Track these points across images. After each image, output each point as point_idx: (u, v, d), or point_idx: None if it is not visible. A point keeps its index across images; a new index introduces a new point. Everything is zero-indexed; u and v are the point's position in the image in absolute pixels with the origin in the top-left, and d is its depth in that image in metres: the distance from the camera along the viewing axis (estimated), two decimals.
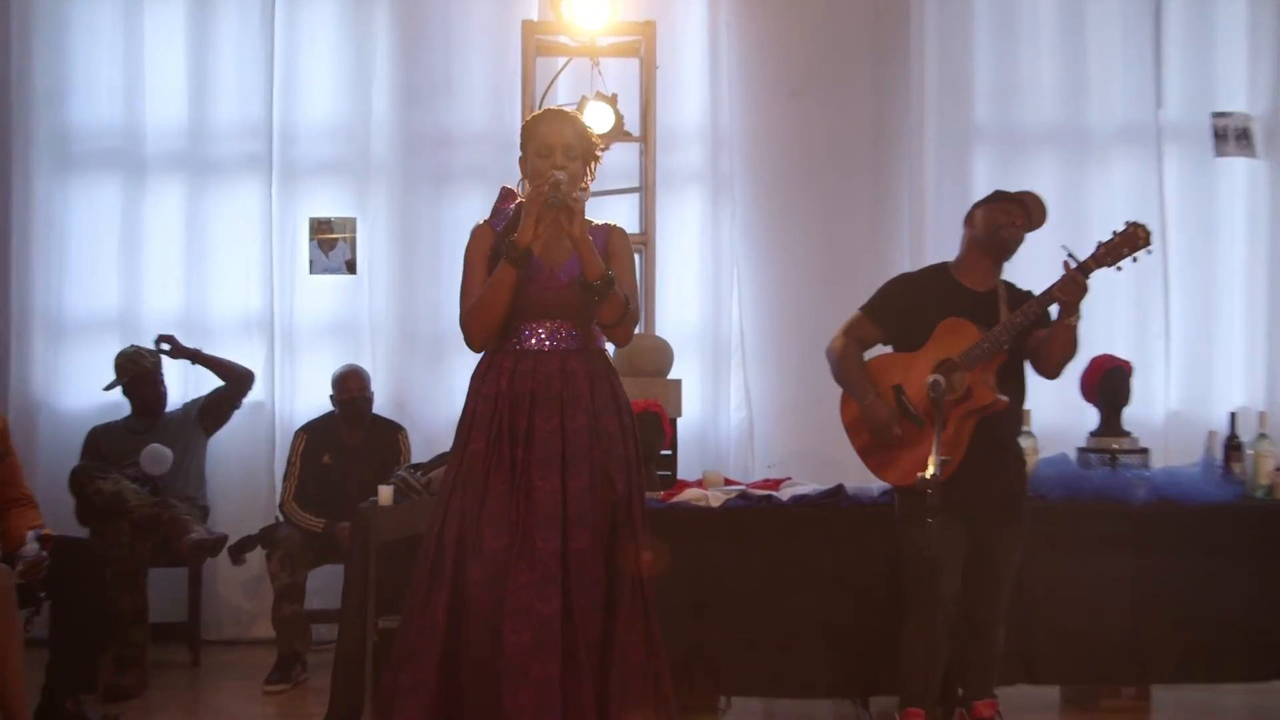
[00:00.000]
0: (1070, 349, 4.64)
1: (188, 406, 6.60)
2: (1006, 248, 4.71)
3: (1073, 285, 4.50)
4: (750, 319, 7.06)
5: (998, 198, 4.76)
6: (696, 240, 7.03)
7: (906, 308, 4.74)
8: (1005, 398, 4.60)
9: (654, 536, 3.99)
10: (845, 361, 4.77)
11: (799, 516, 5.22)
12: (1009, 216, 4.69)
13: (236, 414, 6.71)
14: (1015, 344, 4.64)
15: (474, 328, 3.88)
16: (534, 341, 3.90)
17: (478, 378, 3.94)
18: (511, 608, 3.72)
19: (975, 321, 4.63)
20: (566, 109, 4.07)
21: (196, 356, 6.54)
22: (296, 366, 6.90)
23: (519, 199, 3.98)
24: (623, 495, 3.88)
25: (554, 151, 3.88)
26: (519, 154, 3.98)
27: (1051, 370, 4.71)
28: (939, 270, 4.83)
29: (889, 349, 4.85)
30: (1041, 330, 4.65)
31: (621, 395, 3.98)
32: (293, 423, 6.70)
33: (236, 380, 6.57)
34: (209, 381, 6.62)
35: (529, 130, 3.94)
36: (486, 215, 4.04)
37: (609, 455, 3.88)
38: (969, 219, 4.78)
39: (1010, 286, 4.77)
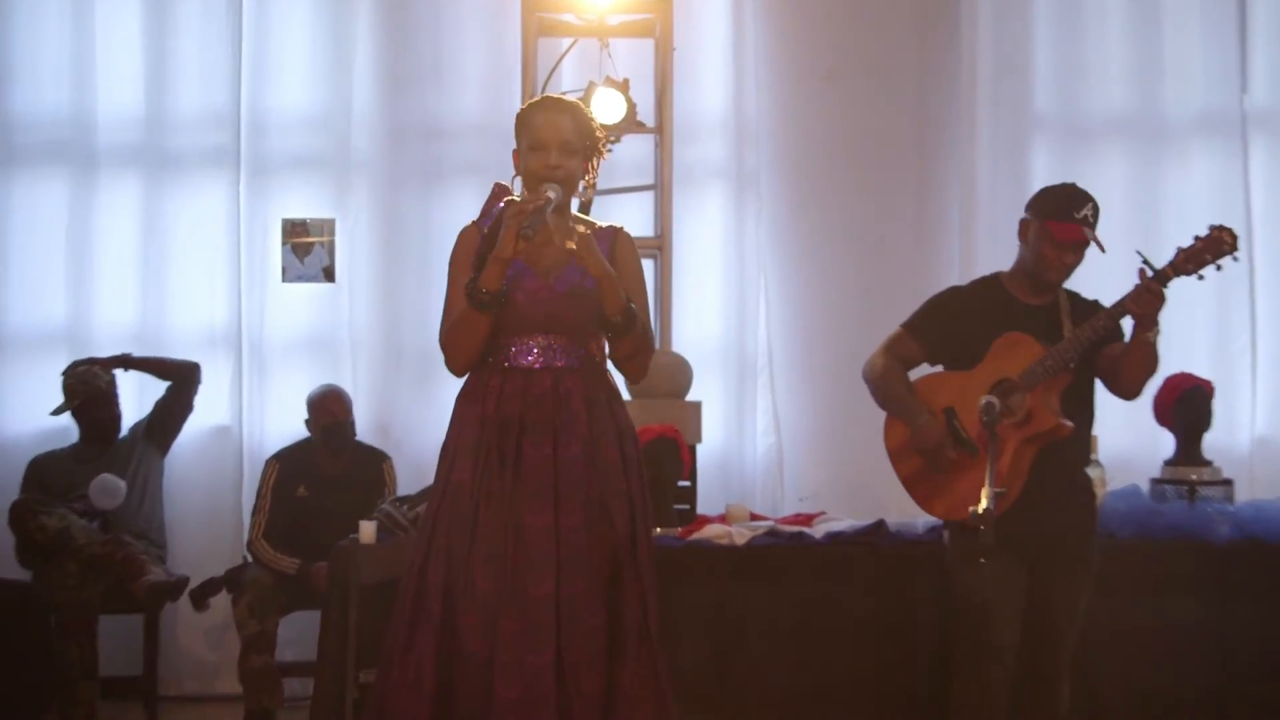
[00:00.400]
0: (1149, 366, 4.67)
1: (133, 429, 6.65)
2: (1053, 286, 4.72)
3: (1147, 296, 4.53)
4: (779, 333, 7.13)
5: (1055, 223, 4.66)
6: (718, 244, 7.10)
7: (954, 325, 4.77)
8: (1070, 423, 4.62)
9: (670, 579, 4.03)
10: (888, 381, 4.81)
11: (835, 556, 5.28)
12: (1060, 255, 4.64)
13: (198, 439, 6.78)
14: (1082, 362, 4.66)
15: (450, 355, 3.94)
16: (524, 359, 3.93)
17: (462, 400, 3.98)
18: (502, 660, 3.76)
19: (1038, 337, 4.67)
20: (568, 97, 4.09)
21: (126, 362, 6.60)
22: (267, 387, 6.96)
23: (512, 198, 4.01)
24: (624, 534, 3.90)
25: (548, 147, 3.88)
26: (514, 148, 3.99)
27: (1129, 389, 4.74)
28: (991, 282, 4.85)
29: (934, 369, 4.91)
30: (1115, 345, 4.69)
31: (624, 419, 4.01)
32: (263, 450, 6.76)
33: (180, 376, 6.62)
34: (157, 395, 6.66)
35: (523, 120, 3.95)
36: (476, 215, 4.07)
37: (607, 488, 3.90)
38: (1023, 230, 4.77)
39: (1074, 297, 4.79)
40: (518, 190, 4.04)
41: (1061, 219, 4.65)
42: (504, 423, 3.89)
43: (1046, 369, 4.60)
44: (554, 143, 3.87)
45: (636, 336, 3.92)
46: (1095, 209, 4.67)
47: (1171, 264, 4.56)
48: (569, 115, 3.93)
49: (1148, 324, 4.58)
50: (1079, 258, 4.68)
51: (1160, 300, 4.54)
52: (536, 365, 3.93)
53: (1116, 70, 7.13)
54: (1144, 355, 4.64)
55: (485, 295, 3.81)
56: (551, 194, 3.80)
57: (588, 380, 3.96)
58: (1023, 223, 4.76)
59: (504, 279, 3.83)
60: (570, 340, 3.95)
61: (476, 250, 3.94)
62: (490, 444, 3.88)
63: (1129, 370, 4.69)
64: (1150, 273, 4.54)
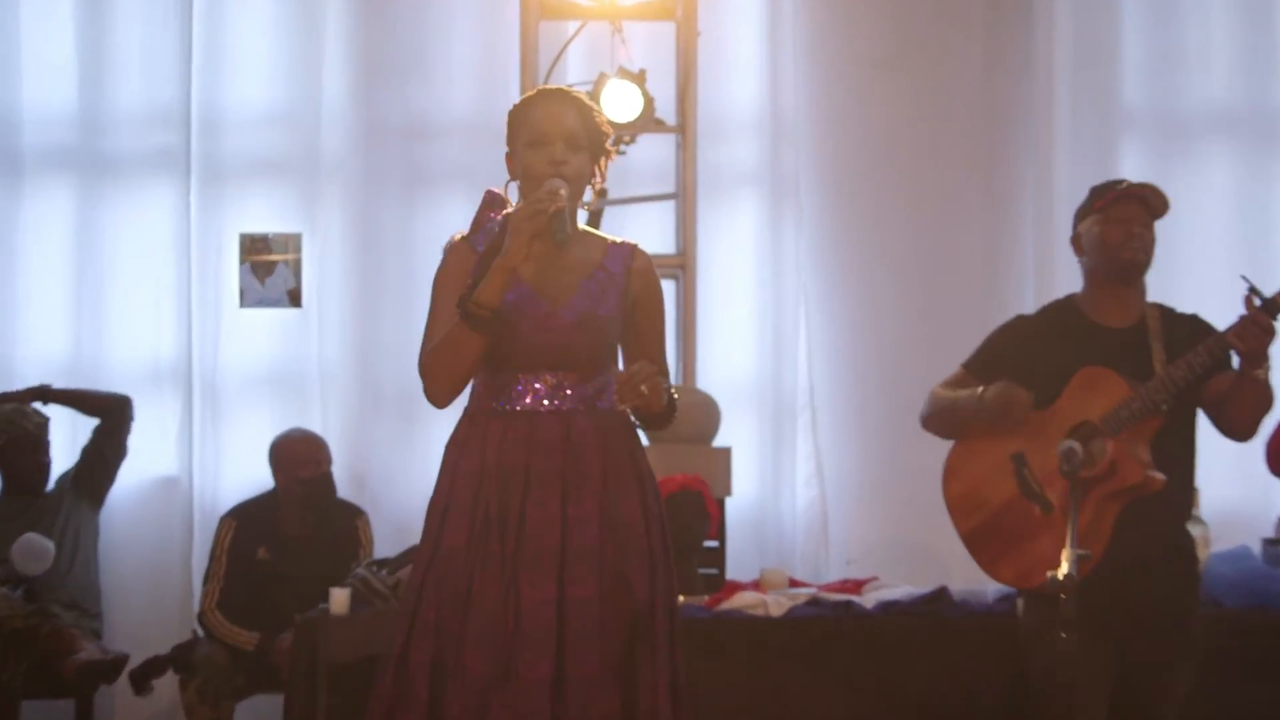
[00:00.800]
0: (1262, 405, 4.65)
1: (60, 480, 6.65)
2: (1136, 267, 4.73)
3: (1254, 330, 4.50)
4: (822, 366, 7.10)
5: (1100, 201, 4.75)
6: (751, 262, 7.07)
7: (1024, 360, 4.75)
8: (1161, 476, 4.60)
9: (695, 655, 4.02)
10: (945, 399, 4.82)
11: (889, 629, 5.26)
12: (1125, 226, 4.69)
13: (140, 492, 6.78)
14: (1181, 398, 4.64)
15: (431, 380, 3.88)
16: (529, 399, 3.90)
17: (455, 448, 3.93)
18: None
19: (1121, 370, 4.65)
20: (571, 90, 4.04)
21: (45, 394, 6.59)
22: (222, 431, 6.94)
23: (508, 209, 3.98)
24: (644, 603, 3.86)
25: (551, 140, 3.85)
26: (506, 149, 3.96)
27: (1239, 429, 4.72)
28: (1064, 307, 4.86)
29: None
30: (1222, 376, 4.65)
31: (644, 467, 3.97)
32: (216, 506, 6.75)
33: (109, 411, 6.62)
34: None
35: (518, 116, 3.93)
36: (463, 231, 4.02)
37: (626, 551, 3.87)
38: (1076, 246, 4.81)
39: (1166, 312, 4.78)
40: (514, 198, 4.01)
41: (1104, 195, 4.75)
42: (505, 475, 3.86)
43: (1133, 412, 4.60)
44: (558, 135, 3.86)
45: (671, 413, 3.93)
46: (1135, 184, 4.76)
47: None
48: (573, 108, 3.91)
49: (1256, 361, 4.55)
50: (1145, 226, 4.70)
51: (1269, 335, 4.52)
52: (543, 408, 3.90)
53: (1220, 58, 7.13)
54: (1254, 394, 4.61)
55: (484, 311, 3.77)
56: (563, 190, 3.79)
57: (603, 424, 3.92)
58: (1073, 240, 4.83)
59: (504, 294, 3.79)
60: (582, 377, 3.92)
61: (471, 271, 3.89)
62: (489, 501, 3.85)
63: (1237, 409, 4.66)
64: (1258, 301, 4.53)
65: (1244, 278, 4.57)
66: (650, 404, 3.81)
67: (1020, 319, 4.97)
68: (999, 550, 4.74)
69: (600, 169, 3.97)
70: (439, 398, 3.90)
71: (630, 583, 3.85)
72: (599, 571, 3.82)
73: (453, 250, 3.97)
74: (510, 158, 3.95)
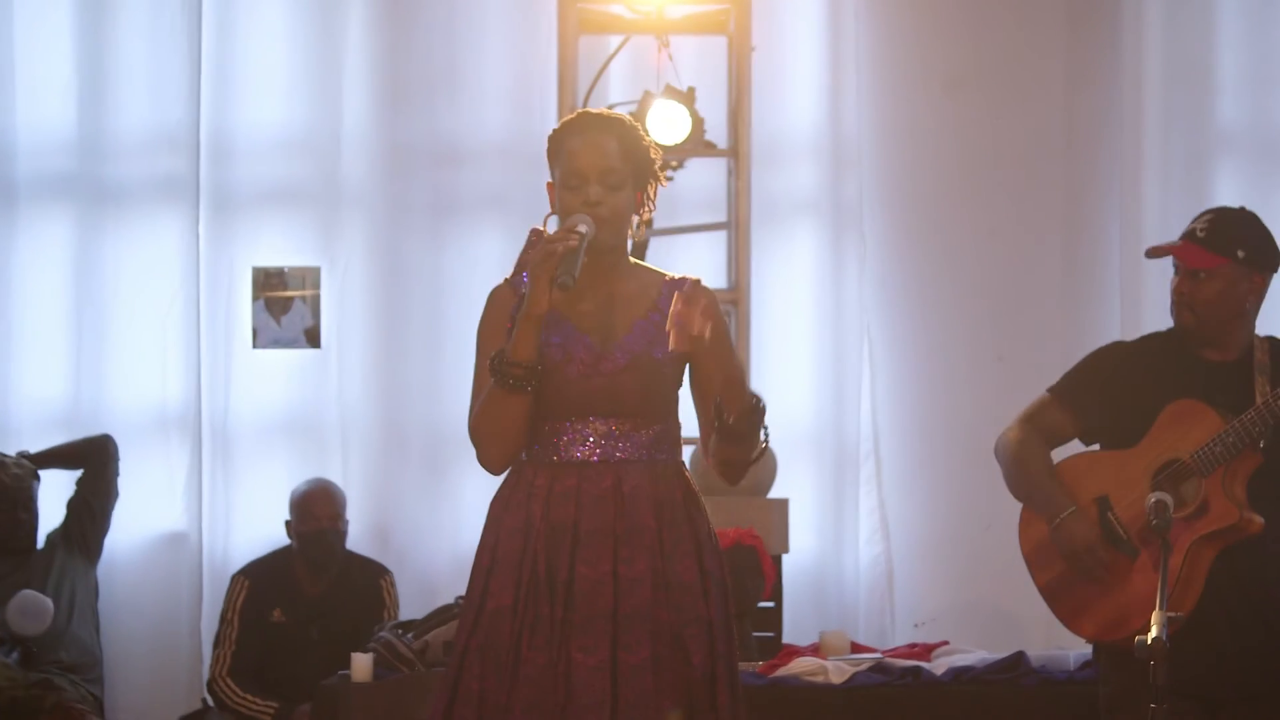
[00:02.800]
0: None
1: (50, 537, 6.69)
2: (1185, 331, 4.73)
3: None
4: (887, 412, 7.18)
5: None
6: (809, 298, 7.15)
7: (1116, 390, 4.78)
8: (1259, 518, 4.61)
9: None
10: (1024, 459, 4.82)
11: (962, 698, 5.33)
12: (1174, 284, 4.71)
13: (146, 549, 6.88)
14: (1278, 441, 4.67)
15: (482, 448, 3.93)
16: (578, 450, 3.94)
17: (499, 504, 3.98)
18: None
19: (1217, 405, 4.68)
20: (615, 111, 4.09)
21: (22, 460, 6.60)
22: (234, 482, 7.02)
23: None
24: (703, 672, 3.90)
25: (586, 180, 3.88)
26: (547, 177, 3.97)
27: None
28: (1165, 336, 4.86)
29: (1088, 447, 4.94)
30: None
31: (703, 526, 4.01)
32: (228, 564, 6.83)
33: (88, 456, 6.67)
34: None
35: (555, 145, 3.95)
36: (509, 271, 4.04)
37: (683, 616, 3.90)
38: None
39: (1277, 344, 4.78)
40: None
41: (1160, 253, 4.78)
42: (554, 532, 3.89)
43: (1228, 447, 4.59)
44: (594, 172, 3.88)
45: (758, 438, 3.90)
46: (1221, 221, 4.70)
47: None
48: (614, 135, 3.93)
49: None
50: (1195, 284, 4.66)
51: None
52: (593, 458, 3.93)
53: None
54: None
55: (517, 370, 3.82)
56: (583, 228, 3.81)
57: (658, 477, 3.95)
58: None
59: (538, 346, 3.84)
60: (635, 425, 3.94)
61: (511, 315, 3.92)
62: (537, 559, 3.89)
63: None
64: None
65: None
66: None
67: (1116, 345, 4.98)
68: (1081, 602, 4.74)
69: (649, 198, 3.99)
70: (492, 465, 3.95)
71: (687, 650, 3.90)
72: (653, 636, 3.86)
73: (494, 297, 4.01)
74: (551, 187, 3.96)
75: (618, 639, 3.85)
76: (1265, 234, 4.75)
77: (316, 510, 6.47)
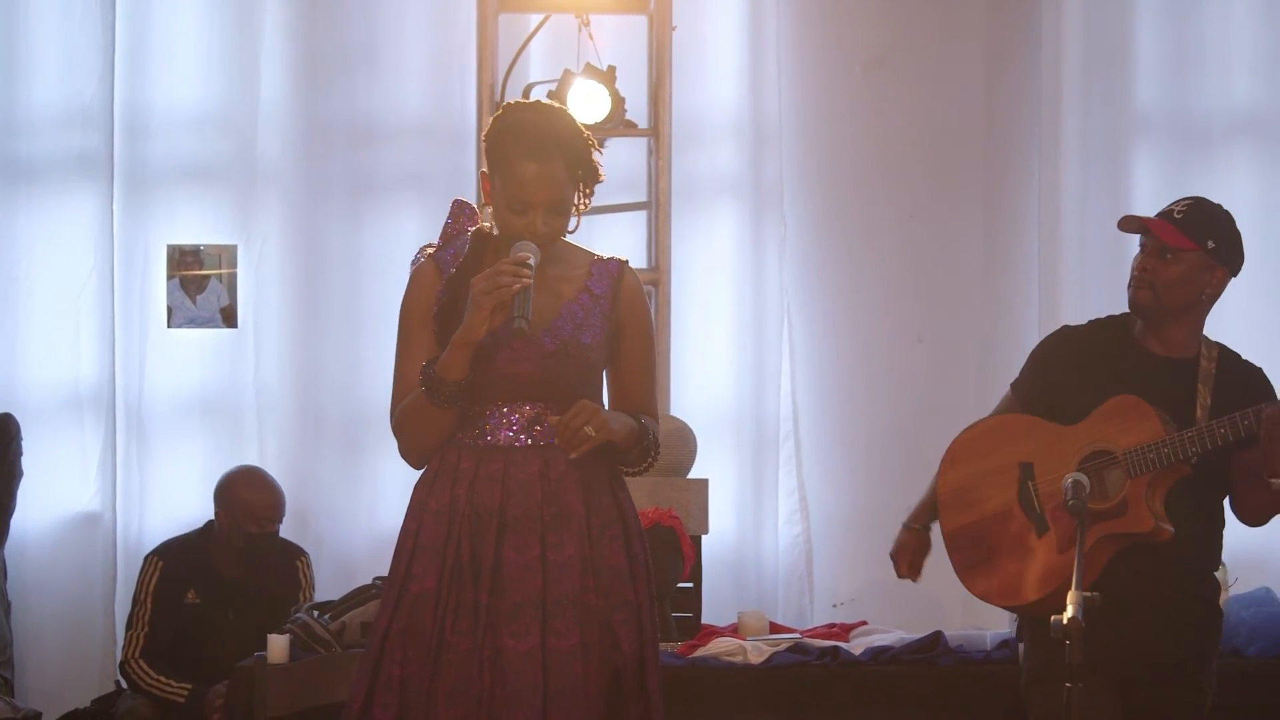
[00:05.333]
0: (1275, 506, 4.68)
1: None
2: (1138, 307, 4.74)
3: (1276, 424, 4.51)
4: (807, 393, 7.20)
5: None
6: (729, 278, 7.17)
7: (1061, 374, 4.81)
8: (1170, 528, 4.62)
9: (667, 708, 4.02)
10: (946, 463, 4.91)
11: (879, 678, 5.37)
12: (1136, 260, 4.72)
13: (57, 530, 6.85)
14: (1215, 456, 4.65)
15: (404, 445, 3.97)
16: (505, 434, 3.95)
17: (423, 486, 3.98)
18: None
19: (1158, 405, 4.70)
20: (558, 117, 3.98)
21: None
22: (148, 462, 7.00)
23: (482, 224, 4.03)
24: (632, 657, 3.93)
25: (533, 208, 3.87)
26: (478, 164, 4.01)
27: (1246, 517, 4.78)
28: (1114, 323, 4.88)
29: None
30: (1251, 453, 4.63)
31: (629, 510, 4.04)
32: (142, 545, 6.78)
33: None
34: None
35: (499, 152, 3.91)
36: (431, 243, 4.07)
37: (611, 601, 3.93)
38: None
39: (1226, 356, 4.78)
40: (487, 222, 4.03)
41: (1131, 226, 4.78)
42: (478, 516, 3.90)
43: (1162, 457, 4.59)
44: (542, 204, 3.87)
45: (650, 455, 4.02)
46: (1198, 209, 4.71)
47: None
48: (563, 162, 3.89)
49: (1276, 465, 4.52)
50: (1160, 263, 4.66)
51: None
52: (520, 443, 3.95)
53: (1240, 56, 7.21)
54: (1266, 498, 4.64)
55: (447, 388, 3.84)
56: (532, 260, 3.81)
57: (586, 461, 3.94)
58: None
59: (469, 366, 3.84)
60: (555, 407, 3.93)
61: (438, 295, 3.96)
62: (461, 543, 3.89)
63: (1246, 498, 4.71)
64: None
65: None
66: (618, 446, 3.88)
67: (1066, 329, 4.98)
68: (978, 558, 4.78)
69: (585, 194, 3.98)
70: (413, 461, 3.99)
71: (616, 635, 3.92)
72: (582, 622, 3.88)
73: (418, 275, 4.01)
74: (486, 179, 3.94)
75: (547, 625, 3.86)
76: (1237, 234, 4.78)
77: (260, 514, 6.41)
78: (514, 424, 3.95)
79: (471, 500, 3.91)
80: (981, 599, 4.84)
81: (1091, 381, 4.74)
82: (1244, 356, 4.79)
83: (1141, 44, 7.21)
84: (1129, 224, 4.79)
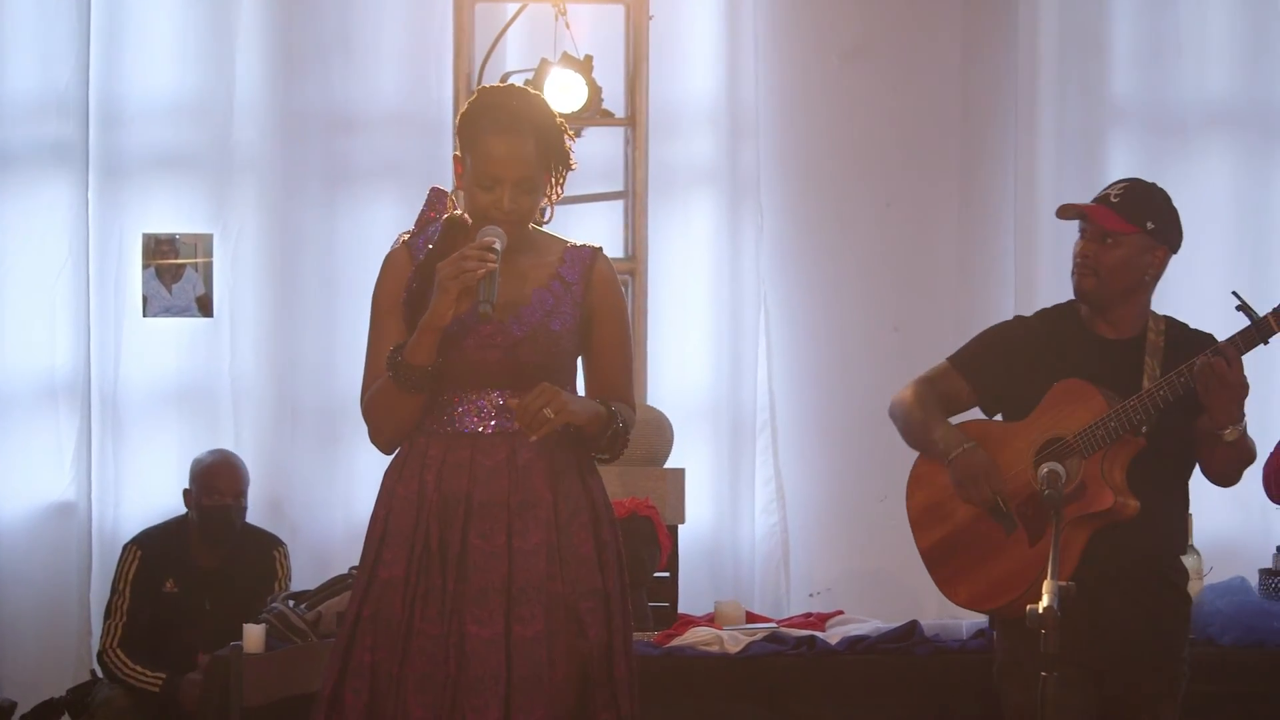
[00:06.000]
0: (1237, 461, 4.74)
1: None
2: (1083, 294, 4.77)
3: (1211, 373, 4.53)
4: (784, 382, 7.23)
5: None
6: (706, 267, 7.19)
7: (1013, 362, 4.84)
8: (1134, 502, 4.66)
9: (644, 698, 4.05)
10: (919, 407, 4.86)
11: (855, 668, 5.37)
12: (1076, 247, 4.76)
13: (33, 519, 6.86)
14: (1171, 422, 4.69)
15: (374, 430, 3.99)
16: (472, 421, 3.96)
17: (392, 474, 4.00)
18: None
19: (1106, 384, 4.74)
20: (529, 98, 4.03)
21: None
22: (124, 452, 7.00)
23: (455, 211, 4.05)
24: (599, 645, 3.94)
25: (501, 184, 3.88)
26: (453, 148, 3.99)
27: (1217, 478, 4.82)
28: (1064, 312, 4.92)
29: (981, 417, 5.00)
30: (1206, 416, 4.71)
31: (599, 496, 4.05)
32: (118, 534, 6.79)
33: None
34: None
35: (470, 131, 3.93)
36: (408, 230, 4.08)
37: (578, 589, 3.94)
38: None
39: (1174, 326, 4.84)
40: (459, 207, 4.05)
41: (1070, 214, 4.80)
42: (446, 503, 3.92)
43: (1109, 431, 4.64)
44: (510, 179, 3.88)
45: (618, 441, 4.01)
46: (1135, 190, 4.74)
47: (1275, 312, 4.58)
48: (532, 138, 3.90)
49: (1221, 418, 4.59)
50: (1101, 248, 4.69)
51: (1226, 384, 4.53)
52: (487, 429, 3.96)
53: (1216, 47, 7.24)
54: (1224, 452, 4.69)
55: (414, 373, 3.85)
56: (498, 245, 3.82)
57: (554, 447, 3.97)
58: None
59: (436, 351, 3.85)
60: (522, 394, 3.93)
61: (407, 283, 3.97)
62: (429, 530, 3.91)
63: (1209, 459, 4.76)
64: (1252, 321, 4.56)
65: (1235, 294, 4.61)
66: (581, 429, 3.89)
67: (1017, 319, 5.03)
68: (957, 570, 4.81)
69: (557, 181, 4.00)
70: (383, 447, 4.01)
71: (581, 623, 3.93)
72: (547, 609, 3.89)
73: (390, 262, 4.02)
74: (458, 161, 3.96)
75: (511, 612, 3.87)
76: (1174, 212, 4.81)
77: (220, 485, 6.43)
78: (482, 411, 3.96)
79: (440, 487, 3.93)
80: (965, 607, 4.88)
81: (1044, 371, 4.78)
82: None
83: (1117, 35, 7.24)
84: (1067, 212, 4.83)
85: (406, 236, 4.05)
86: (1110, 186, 4.79)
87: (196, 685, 5.88)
